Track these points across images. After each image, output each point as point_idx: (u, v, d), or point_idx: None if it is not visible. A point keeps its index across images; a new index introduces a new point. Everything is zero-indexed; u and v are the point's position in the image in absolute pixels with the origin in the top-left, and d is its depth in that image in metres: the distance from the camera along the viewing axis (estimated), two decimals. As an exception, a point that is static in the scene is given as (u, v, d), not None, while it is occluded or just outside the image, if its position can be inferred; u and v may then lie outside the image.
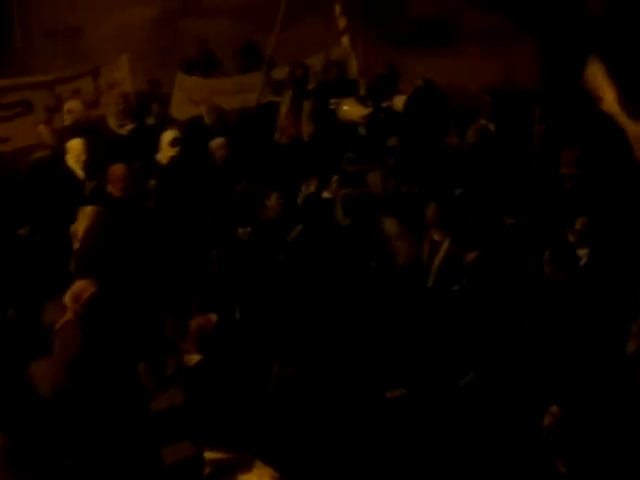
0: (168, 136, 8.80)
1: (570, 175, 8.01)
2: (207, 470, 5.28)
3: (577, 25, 10.78)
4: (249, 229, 7.83)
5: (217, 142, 8.99)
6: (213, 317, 5.94)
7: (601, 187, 7.93)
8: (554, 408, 5.98)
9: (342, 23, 11.02)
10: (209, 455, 5.32)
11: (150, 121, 10.12)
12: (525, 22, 11.14)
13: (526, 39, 11.05)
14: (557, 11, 11.08)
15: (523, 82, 10.33)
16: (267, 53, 10.47)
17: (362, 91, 10.55)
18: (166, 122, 10.02)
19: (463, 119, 9.15)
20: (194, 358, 5.82)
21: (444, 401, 6.42)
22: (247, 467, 5.26)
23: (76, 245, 7.47)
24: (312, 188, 8.22)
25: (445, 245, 7.44)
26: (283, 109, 10.00)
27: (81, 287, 5.89)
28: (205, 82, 11.34)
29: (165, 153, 8.73)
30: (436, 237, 7.51)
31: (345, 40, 10.96)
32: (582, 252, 6.98)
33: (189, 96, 10.79)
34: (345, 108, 10.12)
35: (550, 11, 11.09)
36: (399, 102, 10.06)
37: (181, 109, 10.72)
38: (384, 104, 10.10)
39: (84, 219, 7.44)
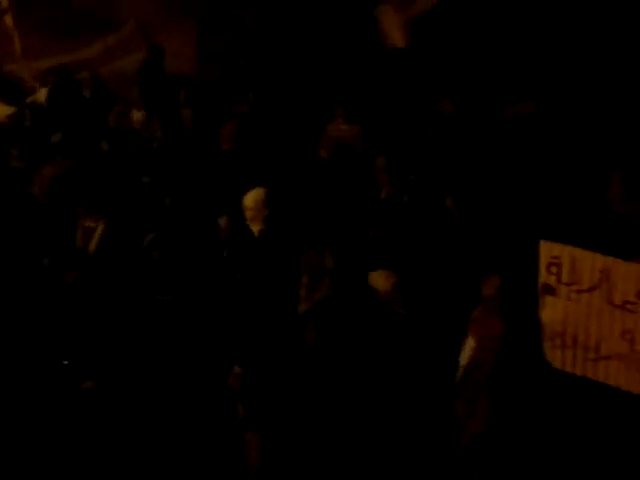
0: None
1: (229, 150, 8.35)
2: None
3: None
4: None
5: None
6: None
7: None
8: (237, 368, 6.38)
9: (4, 2, 10.65)
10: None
11: None
12: (179, 9, 11.43)
13: (182, 26, 11.33)
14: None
15: (179, 68, 10.61)
16: None
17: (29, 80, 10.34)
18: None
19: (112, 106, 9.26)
20: None
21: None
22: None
23: None
24: None
25: (99, 230, 7.61)
26: None
27: None
28: None
29: None
30: (90, 224, 7.65)
31: (8, 20, 10.61)
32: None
33: None
34: None
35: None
36: (42, 96, 9.95)
37: None
38: (29, 99, 9.96)
39: None
